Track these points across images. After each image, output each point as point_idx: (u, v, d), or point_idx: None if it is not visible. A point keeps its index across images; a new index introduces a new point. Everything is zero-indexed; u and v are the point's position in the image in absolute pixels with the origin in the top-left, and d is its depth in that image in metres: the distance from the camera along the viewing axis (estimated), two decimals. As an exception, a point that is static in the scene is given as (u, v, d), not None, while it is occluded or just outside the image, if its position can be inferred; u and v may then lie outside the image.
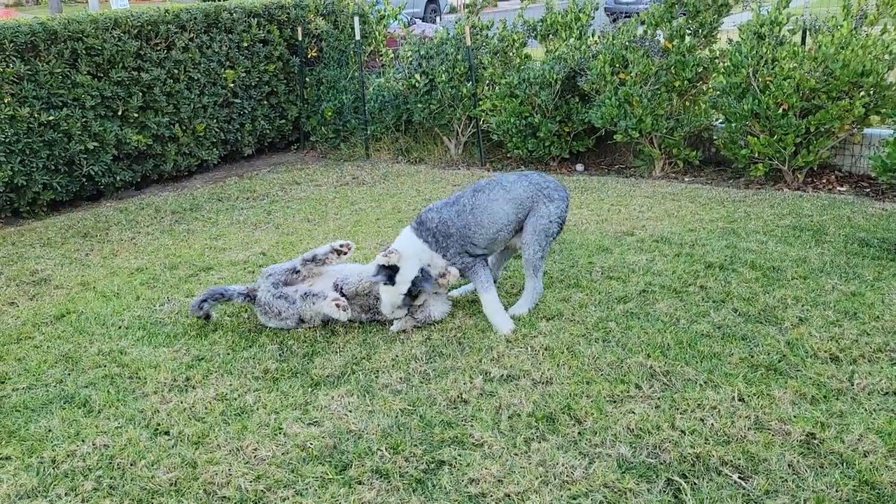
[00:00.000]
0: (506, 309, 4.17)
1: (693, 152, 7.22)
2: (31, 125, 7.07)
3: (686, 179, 7.29)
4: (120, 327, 4.44)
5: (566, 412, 3.19)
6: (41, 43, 7.09)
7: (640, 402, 3.24)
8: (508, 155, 8.37)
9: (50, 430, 3.32)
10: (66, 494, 2.86)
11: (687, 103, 7.34)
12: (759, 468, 2.74)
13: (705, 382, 3.35)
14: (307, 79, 9.63)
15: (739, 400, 3.18)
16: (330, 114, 9.39)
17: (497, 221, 4.13)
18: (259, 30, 9.02)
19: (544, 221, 4.16)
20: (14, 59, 6.92)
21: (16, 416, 3.46)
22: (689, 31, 7.21)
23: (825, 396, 3.18)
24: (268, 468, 2.94)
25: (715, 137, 7.23)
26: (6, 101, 6.87)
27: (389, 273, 4.00)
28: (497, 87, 8.01)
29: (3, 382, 3.82)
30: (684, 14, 7.29)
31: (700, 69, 7.00)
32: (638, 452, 2.88)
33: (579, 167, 8.10)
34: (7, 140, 6.91)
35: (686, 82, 7.02)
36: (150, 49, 7.95)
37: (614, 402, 3.26)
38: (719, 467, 2.76)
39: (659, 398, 3.25)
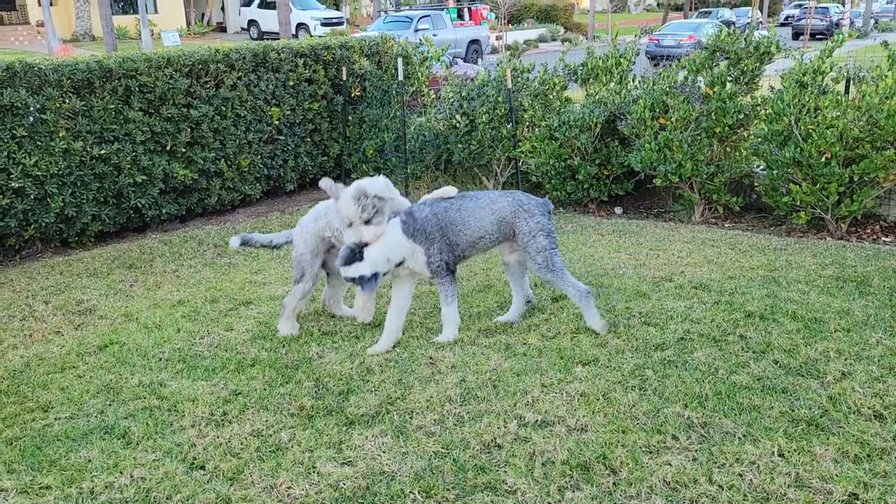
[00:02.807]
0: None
1: (734, 198, 7.17)
2: (83, 158, 7.31)
3: (726, 225, 7.24)
4: (160, 359, 4.52)
5: (601, 461, 3.17)
6: (97, 80, 7.36)
7: (676, 453, 3.20)
8: (547, 196, 8.39)
9: (90, 461, 3.38)
10: (103, 526, 2.91)
11: (728, 149, 7.32)
12: (800, 528, 2.68)
13: (744, 436, 3.29)
14: (350, 117, 9.82)
15: (779, 455, 3.13)
16: (371, 152, 9.54)
17: (480, 227, 4.52)
18: (305, 69, 9.24)
19: (527, 236, 4.52)
20: (71, 95, 7.19)
21: (57, 446, 3.53)
22: (730, 78, 7.22)
23: (868, 455, 3.10)
24: (301, 507, 2.95)
25: (756, 184, 7.19)
26: (61, 135, 7.11)
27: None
28: (537, 129, 8.07)
29: (46, 411, 3.91)
30: (726, 59, 7.31)
31: (741, 116, 6.99)
32: (674, 506, 2.84)
33: (618, 210, 8.09)
34: (60, 172, 7.14)
35: (727, 128, 7.01)
36: (200, 87, 8.19)
37: (650, 452, 3.22)
38: (758, 525, 2.71)
39: (696, 450, 3.21)
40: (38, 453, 3.46)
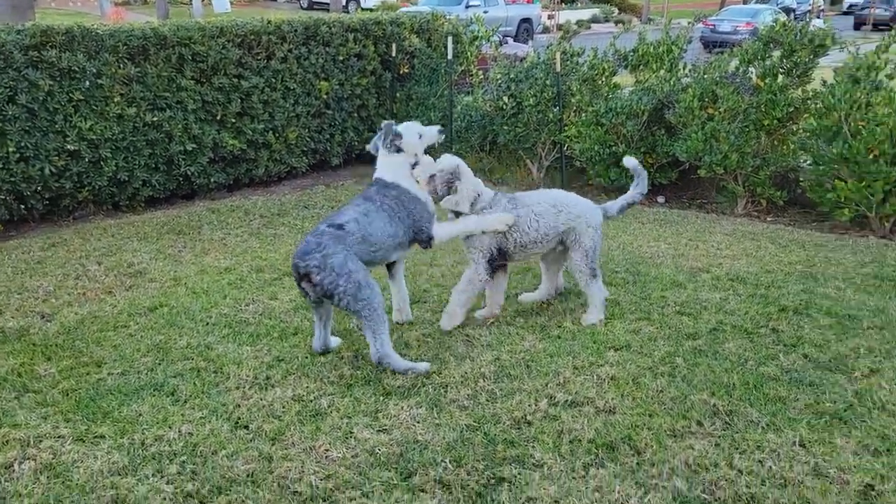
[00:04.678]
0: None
1: (778, 192, 7.13)
2: (136, 125, 7.55)
3: (768, 219, 7.21)
4: (207, 323, 4.72)
5: (626, 442, 3.26)
6: (152, 47, 7.56)
7: (700, 438, 3.28)
8: (590, 182, 8.43)
9: (140, 415, 3.59)
10: (152, 475, 3.10)
11: (775, 142, 7.27)
12: (816, 516, 2.76)
13: (768, 425, 3.36)
14: (397, 94, 9.92)
15: (800, 445, 3.19)
16: (416, 130, 9.62)
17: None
18: (355, 44, 9.35)
19: None
20: (126, 61, 7.41)
21: (110, 399, 3.75)
22: (782, 70, 7.14)
23: (888, 449, 3.15)
24: (338, 469, 3.11)
25: (801, 179, 7.13)
26: (116, 100, 7.35)
27: None
28: (583, 115, 8.09)
29: (99, 366, 4.13)
30: (780, 50, 7.22)
31: (791, 109, 6.93)
32: (693, 487, 2.93)
33: (660, 199, 8.09)
34: (114, 137, 7.39)
35: (776, 121, 6.96)
36: (251, 58, 8.36)
37: (675, 436, 3.31)
38: (775, 511, 2.79)
39: (719, 436, 3.29)
40: (92, 405, 3.68)
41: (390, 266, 4.54)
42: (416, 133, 4.44)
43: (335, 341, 4.33)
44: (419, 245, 4.42)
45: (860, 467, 3.02)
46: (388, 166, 4.39)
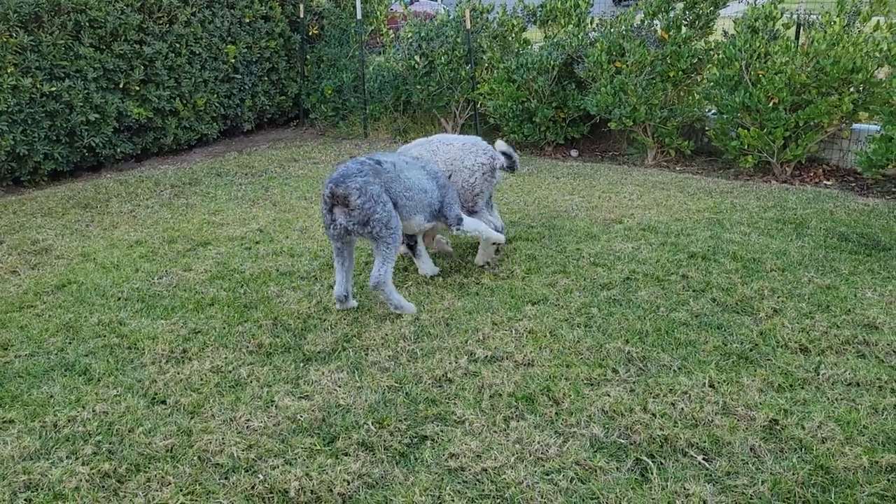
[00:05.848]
0: None
1: (685, 142, 7.34)
2: (33, 96, 7.17)
3: (677, 169, 7.42)
4: (119, 299, 4.58)
5: (545, 393, 3.35)
6: (45, 14, 7.16)
7: (615, 385, 3.39)
8: (504, 138, 8.47)
9: (51, 396, 3.46)
10: (66, 457, 3.01)
11: (681, 94, 7.46)
12: (723, 451, 2.90)
13: (679, 368, 3.50)
14: (308, 56, 9.70)
15: (710, 386, 3.34)
16: (330, 92, 9.47)
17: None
18: (261, 6, 9.07)
19: None
20: (18, 29, 7.00)
21: (19, 382, 3.60)
22: (685, 22, 7.30)
23: (791, 385, 3.33)
24: (259, 438, 3.09)
25: (707, 128, 7.36)
26: (9, 70, 6.95)
27: None
28: (495, 72, 8.10)
29: (5, 349, 3.96)
30: (682, 2, 7.37)
31: (695, 60, 7.11)
32: (610, 433, 3.04)
33: (574, 153, 8.22)
34: (9, 110, 7.00)
35: (681, 73, 7.13)
36: (153, 23, 8.02)
37: (591, 384, 3.41)
38: (685, 449, 2.92)
39: (634, 382, 3.41)
40: (-1, 390, 3.54)
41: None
42: None
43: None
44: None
45: (765, 404, 3.19)
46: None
